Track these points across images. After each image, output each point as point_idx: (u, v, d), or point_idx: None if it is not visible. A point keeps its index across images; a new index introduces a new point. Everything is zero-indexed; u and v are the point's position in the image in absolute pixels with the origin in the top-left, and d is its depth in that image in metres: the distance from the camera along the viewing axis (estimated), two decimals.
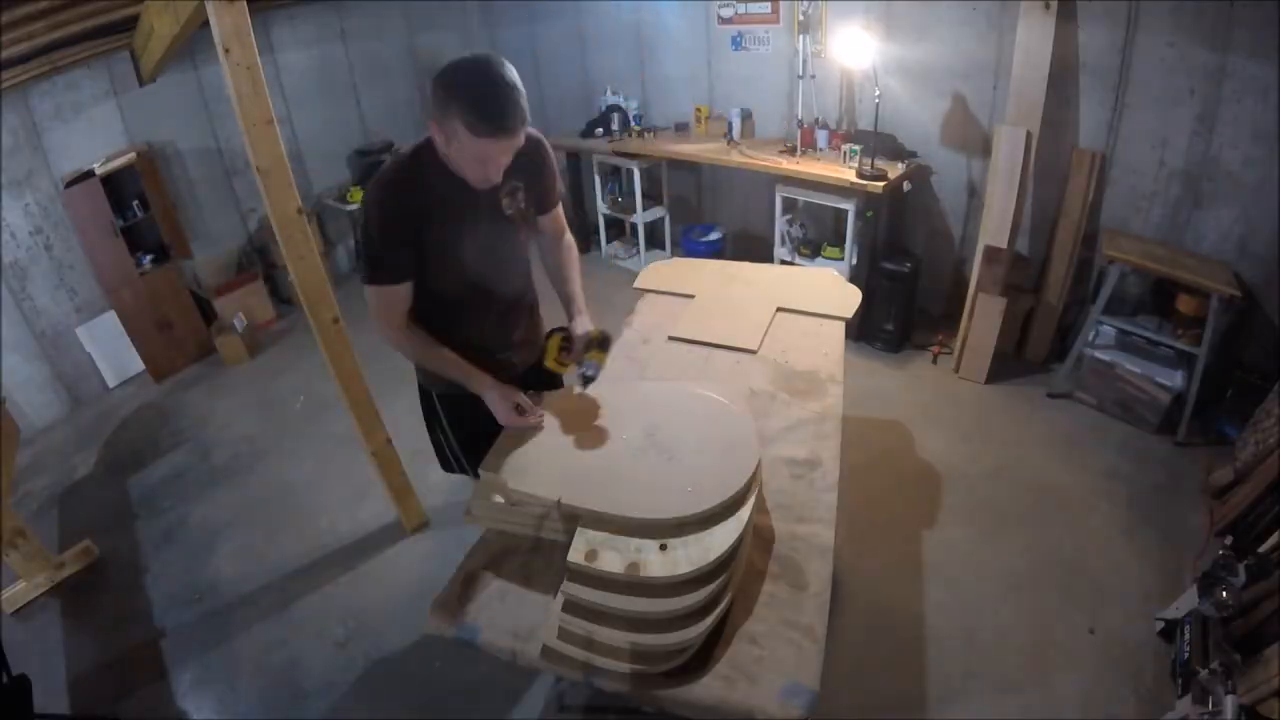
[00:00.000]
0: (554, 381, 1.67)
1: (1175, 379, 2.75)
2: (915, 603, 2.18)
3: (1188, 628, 1.81)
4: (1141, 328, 2.84)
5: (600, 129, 4.45)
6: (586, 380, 1.48)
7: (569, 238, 1.70)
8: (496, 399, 1.43)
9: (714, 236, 4.36)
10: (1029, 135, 2.84)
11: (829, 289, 2.19)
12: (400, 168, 1.34)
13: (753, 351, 1.88)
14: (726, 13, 3.97)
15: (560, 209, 1.64)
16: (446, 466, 1.80)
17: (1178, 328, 2.76)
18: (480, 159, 1.26)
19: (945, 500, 2.58)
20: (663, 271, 2.40)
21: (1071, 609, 2.11)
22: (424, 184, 1.33)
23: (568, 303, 1.64)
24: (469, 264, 1.45)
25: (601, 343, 1.51)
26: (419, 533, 2.64)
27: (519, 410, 1.43)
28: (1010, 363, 3.33)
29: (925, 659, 2.00)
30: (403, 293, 1.40)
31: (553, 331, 1.60)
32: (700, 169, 4.60)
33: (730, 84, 4.18)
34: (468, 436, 1.62)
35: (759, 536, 1.30)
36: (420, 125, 5.29)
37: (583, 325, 1.57)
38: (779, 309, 2.06)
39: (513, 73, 1.20)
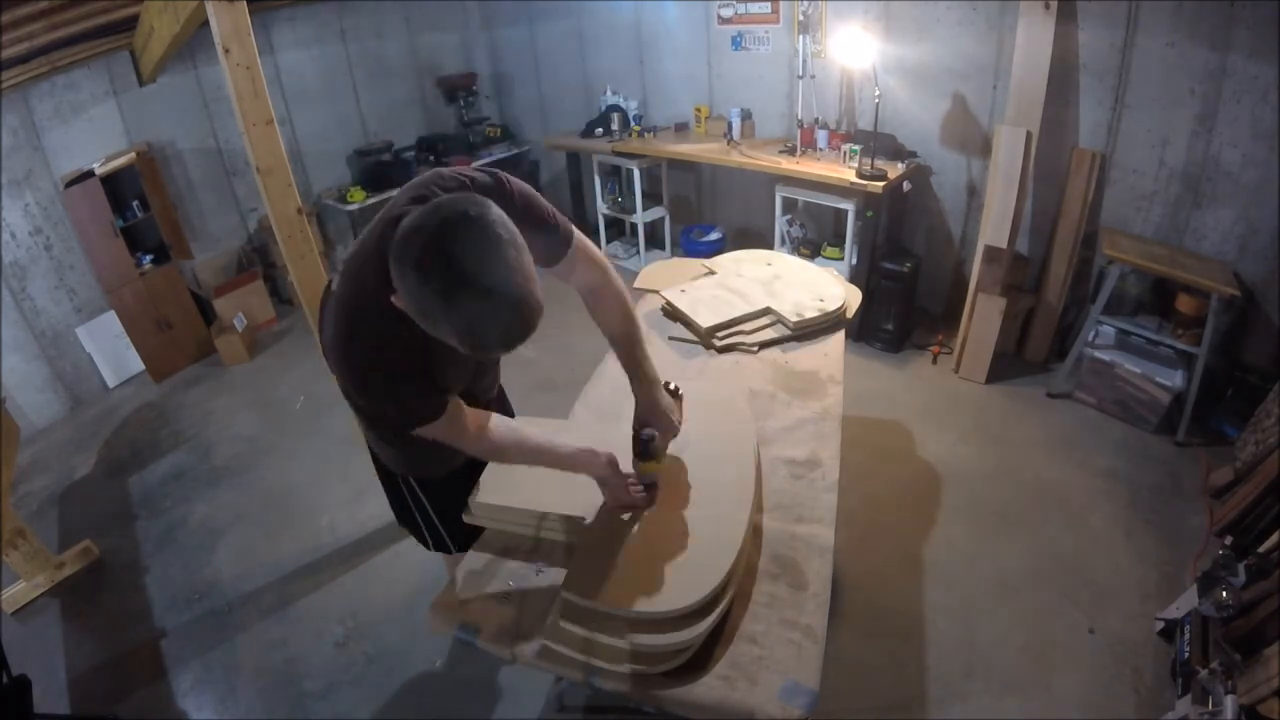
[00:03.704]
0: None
1: (1175, 379, 2.75)
2: (915, 603, 2.17)
3: (1188, 628, 1.81)
4: (1141, 328, 2.84)
5: (600, 129, 4.45)
6: (648, 487, 1.28)
7: (615, 283, 1.29)
8: (612, 481, 1.23)
9: (714, 236, 4.36)
10: (1029, 135, 2.84)
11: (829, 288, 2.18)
12: (369, 314, 1.03)
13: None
14: (726, 12, 3.97)
15: (581, 245, 1.24)
16: (435, 547, 1.61)
17: (1178, 328, 2.75)
18: (456, 352, 0.96)
19: (945, 500, 2.58)
20: (662, 271, 2.39)
21: (1071, 609, 2.11)
22: (400, 317, 0.96)
23: (633, 376, 1.30)
24: (465, 375, 1.28)
25: (642, 451, 1.24)
26: None
27: (628, 491, 1.25)
28: (1010, 363, 3.33)
29: (925, 659, 2.00)
30: (457, 404, 1.14)
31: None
32: (700, 169, 4.60)
33: (730, 84, 4.17)
34: (454, 514, 1.41)
35: (758, 536, 1.30)
36: (419, 125, 5.31)
37: (641, 410, 1.28)
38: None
39: (511, 251, 0.88)
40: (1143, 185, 2.94)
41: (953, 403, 3.14)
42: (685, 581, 1.11)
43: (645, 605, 1.06)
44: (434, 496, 1.50)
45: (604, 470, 1.23)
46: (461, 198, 0.92)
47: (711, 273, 2.23)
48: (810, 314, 1.92)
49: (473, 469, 1.38)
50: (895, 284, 3.41)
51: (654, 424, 1.26)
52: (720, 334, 1.93)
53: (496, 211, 0.90)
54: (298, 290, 2.16)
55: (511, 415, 1.66)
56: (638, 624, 1.07)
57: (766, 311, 1.99)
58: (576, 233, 1.23)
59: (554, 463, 1.24)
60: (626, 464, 1.27)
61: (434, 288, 0.85)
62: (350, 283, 1.07)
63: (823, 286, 2.06)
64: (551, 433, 1.28)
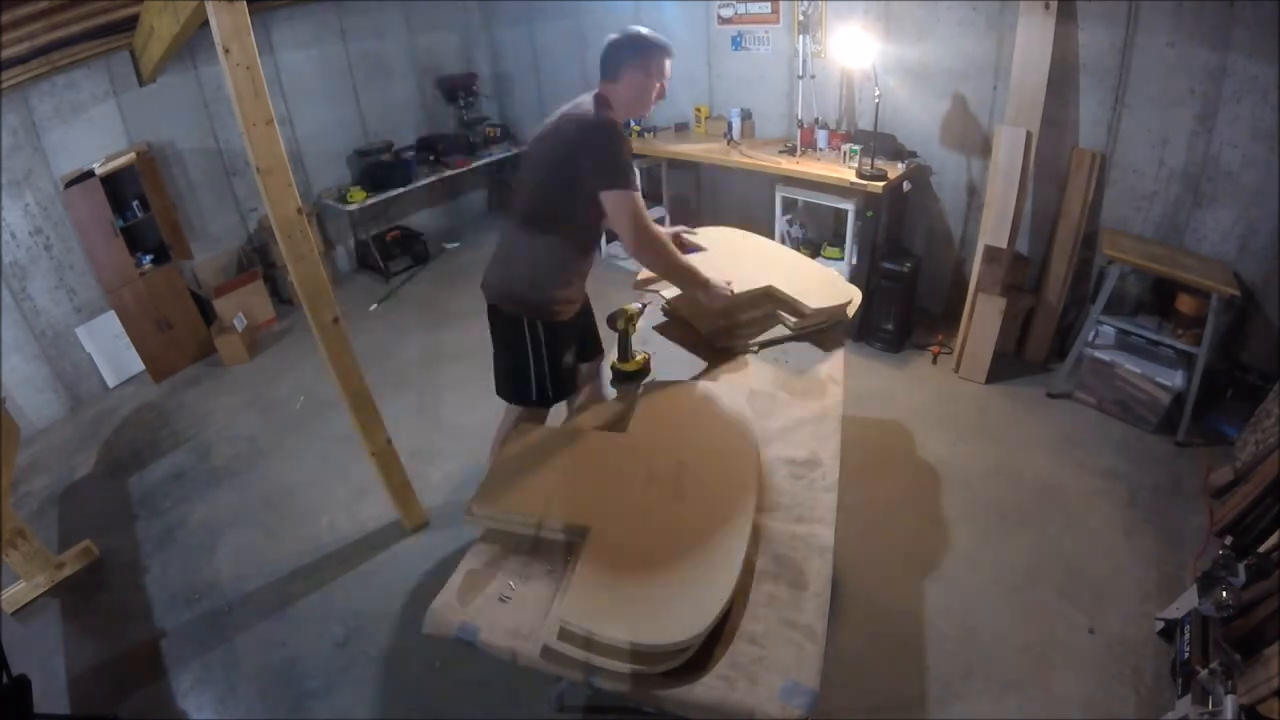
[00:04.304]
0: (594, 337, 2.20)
1: (1175, 379, 2.75)
2: (915, 603, 2.18)
3: (1188, 628, 1.81)
4: (1141, 328, 2.84)
5: None
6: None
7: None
8: (715, 289, 1.84)
9: None
10: (1029, 135, 2.84)
11: (829, 287, 2.18)
12: (611, 115, 1.77)
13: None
14: (726, 12, 3.97)
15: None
16: (537, 398, 1.97)
17: (1178, 328, 2.75)
18: (663, 79, 1.84)
19: (945, 500, 2.58)
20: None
21: (1071, 609, 2.11)
22: None
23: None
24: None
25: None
26: (419, 533, 2.64)
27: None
28: (1010, 363, 3.33)
29: (925, 659, 2.00)
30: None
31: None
32: (700, 169, 4.60)
33: (730, 84, 4.17)
34: (563, 363, 1.94)
35: (758, 536, 1.30)
36: (419, 125, 5.32)
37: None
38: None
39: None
40: (1143, 185, 2.94)
41: (953, 403, 3.14)
42: (686, 601, 1.11)
43: (644, 633, 1.06)
44: (554, 342, 1.90)
45: (708, 287, 1.85)
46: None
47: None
48: (815, 301, 1.91)
49: (582, 319, 2.06)
50: (895, 284, 3.41)
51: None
52: (724, 335, 1.92)
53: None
54: (298, 290, 2.15)
55: (601, 349, 2.25)
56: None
57: (768, 291, 1.98)
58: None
59: (684, 275, 1.83)
60: None
61: (640, 39, 1.83)
62: (576, 111, 1.77)
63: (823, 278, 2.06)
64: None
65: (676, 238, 2.13)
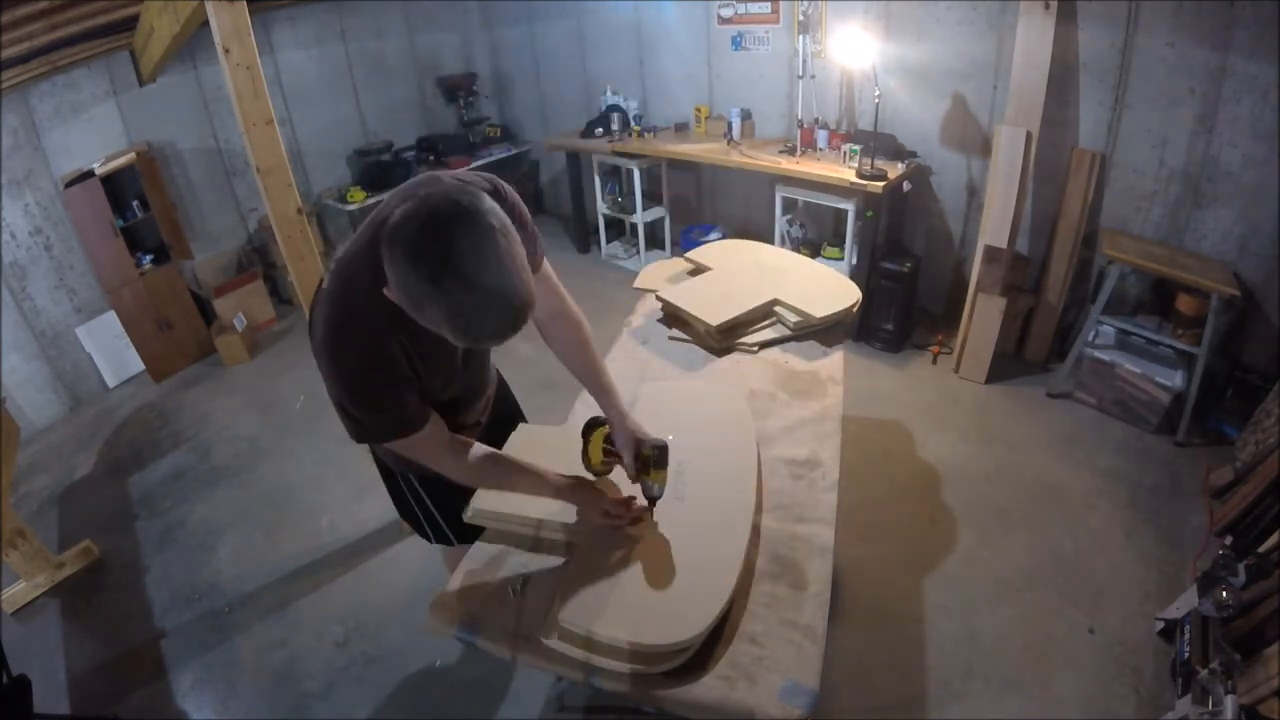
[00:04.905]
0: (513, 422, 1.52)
1: (1175, 379, 2.75)
2: (915, 603, 2.18)
3: (1188, 628, 1.81)
4: (1141, 328, 2.84)
5: (600, 129, 4.45)
6: (653, 500, 1.27)
7: (573, 308, 1.34)
8: (588, 503, 1.27)
9: (714, 237, 4.36)
10: (1029, 135, 2.84)
11: (829, 286, 2.18)
12: (358, 314, 1.03)
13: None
14: (726, 12, 3.97)
15: (549, 270, 1.27)
16: (436, 539, 1.62)
17: (1177, 328, 2.76)
18: (438, 329, 0.91)
19: (945, 500, 2.58)
20: (662, 270, 2.39)
21: (1071, 609, 2.11)
22: (390, 318, 1.01)
23: (605, 397, 1.32)
24: (455, 375, 1.25)
25: (660, 459, 1.23)
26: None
27: (607, 514, 1.25)
28: (1010, 363, 3.33)
29: (925, 659, 2.00)
30: (439, 422, 1.16)
31: (594, 424, 1.31)
32: (700, 169, 4.60)
33: (730, 84, 4.17)
34: (453, 507, 1.42)
35: (758, 536, 1.30)
36: (419, 125, 5.32)
37: (628, 428, 1.28)
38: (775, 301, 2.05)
39: (501, 240, 0.88)
40: (1143, 185, 2.94)
41: (953, 403, 3.14)
42: (687, 600, 1.11)
43: (645, 633, 1.06)
44: (433, 491, 1.50)
45: (569, 494, 1.27)
46: (454, 188, 0.92)
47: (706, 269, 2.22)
48: (819, 310, 1.91)
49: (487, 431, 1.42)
50: (895, 284, 3.41)
51: (647, 441, 1.26)
52: (725, 335, 1.92)
53: (489, 202, 0.91)
54: (298, 290, 2.16)
55: (518, 411, 1.72)
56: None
57: (773, 303, 1.98)
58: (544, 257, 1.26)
59: (529, 487, 1.27)
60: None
61: (423, 275, 0.85)
62: (341, 282, 1.06)
63: (827, 281, 2.06)
64: (529, 462, 1.27)
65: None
